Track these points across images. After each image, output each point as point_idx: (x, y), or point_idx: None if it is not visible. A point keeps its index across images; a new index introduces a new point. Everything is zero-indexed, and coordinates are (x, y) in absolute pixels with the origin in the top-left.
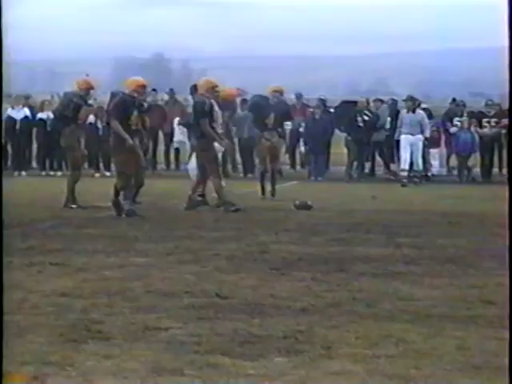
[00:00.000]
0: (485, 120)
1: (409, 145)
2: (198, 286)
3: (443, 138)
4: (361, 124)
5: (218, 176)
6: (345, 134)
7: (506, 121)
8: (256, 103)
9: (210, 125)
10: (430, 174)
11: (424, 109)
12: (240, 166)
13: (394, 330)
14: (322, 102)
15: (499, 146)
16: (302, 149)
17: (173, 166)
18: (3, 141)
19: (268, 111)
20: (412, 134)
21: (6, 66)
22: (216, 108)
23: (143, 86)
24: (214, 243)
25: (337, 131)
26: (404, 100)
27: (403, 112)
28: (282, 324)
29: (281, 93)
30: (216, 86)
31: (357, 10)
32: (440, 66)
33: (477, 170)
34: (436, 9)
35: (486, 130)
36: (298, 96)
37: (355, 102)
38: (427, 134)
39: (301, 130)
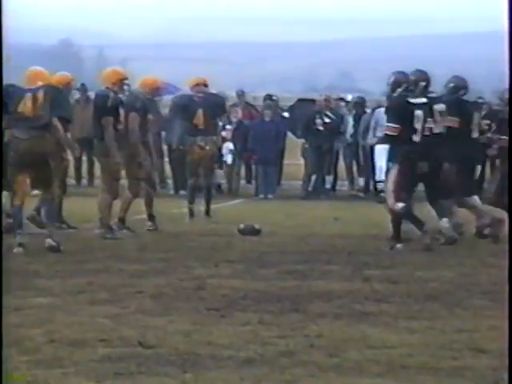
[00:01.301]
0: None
1: (385, 150)
2: (116, 333)
3: None
4: (320, 128)
5: (110, 191)
6: (301, 141)
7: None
8: (178, 103)
9: (115, 127)
10: None
11: None
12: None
13: None
14: (273, 100)
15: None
16: (229, 158)
17: (85, 181)
18: None
19: (193, 109)
20: None
21: None
22: (120, 108)
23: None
24: (136, 278)
25: (292, 137)
26: (388, 96)
27: (380, 110)
28: (221, 379)
29: (204, 84)
30: (125, 79)
31: None
32: (420, 56)
33: None
34: None
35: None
36: (240, 93)
37: (313, 101)
38: None
39: (223, 133)
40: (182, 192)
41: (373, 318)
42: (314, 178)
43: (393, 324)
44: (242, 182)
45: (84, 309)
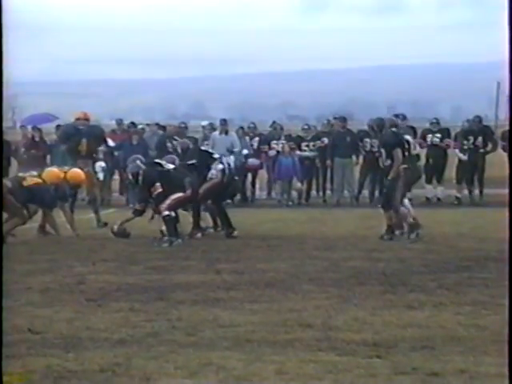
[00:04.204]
0: (304, 144)
1: None
2: (9, 322)
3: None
4: (170, 150)
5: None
6: None
7: (325, 141)
8: (64, 132)
9: None
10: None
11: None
12: None
13: (214, 357)
14: (135, 125)
15: (317, 169)
16: (101, 175)
17: None
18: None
19: (79, 138)
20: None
21: None
22: None
23: None
24: (26, 276)
25: None
26: (222, 124)
27: (215, 134)
28: (98, 357)
29: (86, 119)
30: None
31: (170, 33)
32: (257, 89)
33: (294, 193)
34: (254, 32)
35: (306, 153)
36: (119, 122)
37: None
38: (245, 152)
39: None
40: None
41: (223, 303)
42: None
43: (239, 307)
44: (116, 194)
45: None
